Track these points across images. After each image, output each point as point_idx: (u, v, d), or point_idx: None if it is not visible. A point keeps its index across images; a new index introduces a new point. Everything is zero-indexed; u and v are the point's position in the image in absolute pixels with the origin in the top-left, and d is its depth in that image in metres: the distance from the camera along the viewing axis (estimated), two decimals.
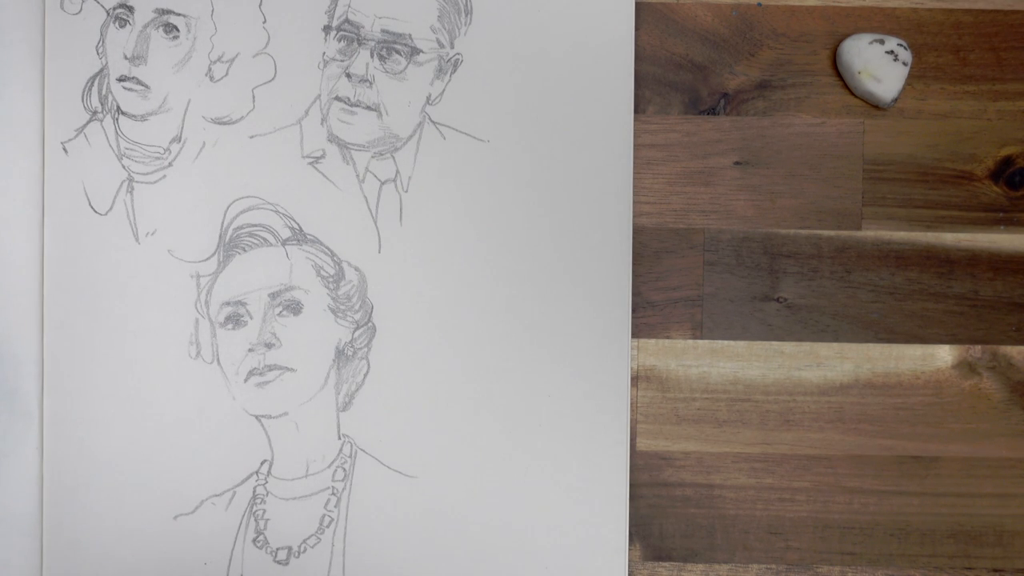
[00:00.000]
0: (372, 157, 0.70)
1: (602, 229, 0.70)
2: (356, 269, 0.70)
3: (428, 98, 0.71)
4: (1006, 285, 0.72)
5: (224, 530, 0.70)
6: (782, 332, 0.72)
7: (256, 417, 0.70)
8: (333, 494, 0.70)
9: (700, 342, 0.72)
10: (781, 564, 0.72)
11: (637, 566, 0.72)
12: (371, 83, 0.70)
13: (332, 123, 0.70)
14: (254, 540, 0.70)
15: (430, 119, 0.71)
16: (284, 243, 0.70)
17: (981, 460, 0.72)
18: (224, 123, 0.70)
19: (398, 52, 0.70)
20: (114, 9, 0.70)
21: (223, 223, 0.70)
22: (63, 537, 0.69)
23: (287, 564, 0.70)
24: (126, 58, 0.70)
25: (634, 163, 0.72)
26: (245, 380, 0.70)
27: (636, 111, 0.72)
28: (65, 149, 0.70)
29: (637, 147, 0.72)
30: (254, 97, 0.70)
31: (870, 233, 0.72)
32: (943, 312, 0.72)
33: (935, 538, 0.72)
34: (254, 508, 0.70)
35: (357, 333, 0.70)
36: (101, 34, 0.70)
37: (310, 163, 0.70)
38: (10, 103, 0.70)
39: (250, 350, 0.70)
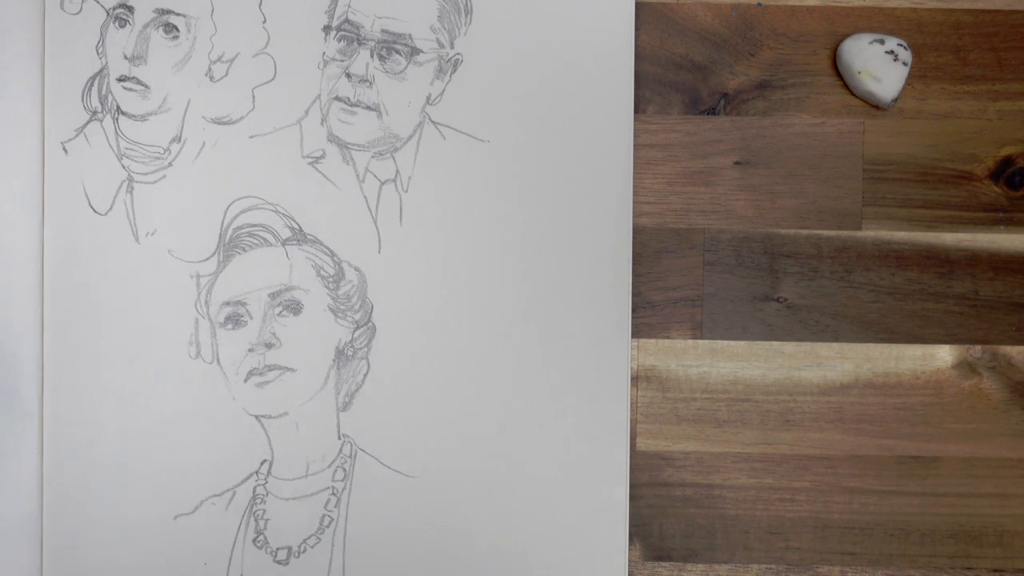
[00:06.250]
0: (372, 157, 0.70)
1: (602, 229, 0.70)
2: (356, 269, 0.70)
3: (428, 98, 0.71)
4: (1006, 285, 0.72)
5: (224, 530, 0.70)
6: (782, 332, 0.72)
7: (256, 417, 0.70)
8: (333, 494, 0.70)
9: (700, 342, 0.72)
10: (781, 564, 0.72)
11: (637, 566, 0.72)
12: (371, 83, 0.70)
13: (332, 123, 0.70)
14: (254, 540, 0.70)
15: (430, 119, 0.71)
16: (284, 243, 0.70)
17: (981, 460, 0.72)
18: (224, 123, 0.70)
19: (398, 52, 0.70)
20: (114, 9, 0.70)
21: (223, 223, 0.70)
22: (63, 537, 0.69)
23: (287, 564, 0.70)
24: (126, 58, 0.70)
25: (634, 163, 0.72)
26: (245, 380, 0.70)
27: (636, 111, 0.72)
28: (65, 149, 0.70)
29: (637, 147, 0.72)
30: (254, 97, 0.70)
31: (870, 233, 0.72)
32: (943, 312, 0.72)
33: (935, 538, 0.72)
34: (254, 508, 0.70)
35: (357, 333, 0.70)
36: (101, 34, 0.70)
37: (310, 163, 0.70)
38: (10, 103, 0.70)
39: (250, 350, 0.70)
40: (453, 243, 0.70)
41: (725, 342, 0.72)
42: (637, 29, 0.72)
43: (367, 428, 0.70)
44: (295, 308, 0.70)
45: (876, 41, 0.71)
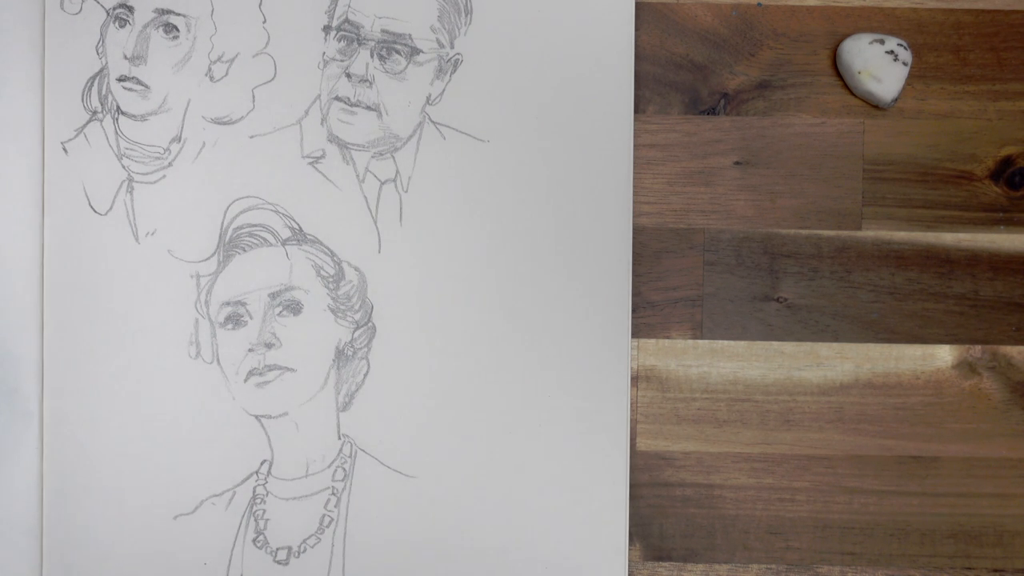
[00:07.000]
0: (372, 157, 0.70)
1: (602, 229, 0.70)
2: (356, 269, 0.70)
3: (428, 98, 0.71)
4: (1006, 285, 0.72)
5: (224, 530, 0.70)
6: (782, 332, 0.72)
7: (256, 417, 0.70)
8: (333, 494, 0.70)
9: (700, 342, 0.72)
10: (781, 564, 0.72)
11: (637, 566, 0.72)
12: (371, 83, 0.70)
13: (332, 123, 0.70)
14: (254, 540, 0.70)
15: (430, 119, 0.71)
16: (284, 243, 0.70)
17: (981, 460, 0.72)
18: (224, 123, 0.70)
19: (398, 52, 0.70)
20: (114, 9, 0.70)
21: (223, 223, 0.70)
22: (63, 537, 0.69)
23: (287, 564, 0.70)
24: (126, 58, 0.70)
25: (634, 163, 0.72)
26: (245, 380, 0.70)
27: (636, 111, 0.72)
28: (65, 149, 0.70)
29: (637, 147, 0.72)
30: (254, 97, 0.70)
31: (870, 233, 0.72)
32: (943, 312, 0.72)
33: (935, 538, 0.72)
34: (254, 508, 0.70)
35: (357, 333, 0.70)
36: (101, 34, 0.70)
37: (310, 163, 0.70)
38: (10, 103, 0.70)
39: (250, 350, 0.70)
40: (453, 243, 0.70)
41: (725, 342, 0.72)
42: (637, 29, 0.72)
43: (367, 428, 0.70)
44: (295, 308, 0.70)
45: (876, 41, 0.71)
